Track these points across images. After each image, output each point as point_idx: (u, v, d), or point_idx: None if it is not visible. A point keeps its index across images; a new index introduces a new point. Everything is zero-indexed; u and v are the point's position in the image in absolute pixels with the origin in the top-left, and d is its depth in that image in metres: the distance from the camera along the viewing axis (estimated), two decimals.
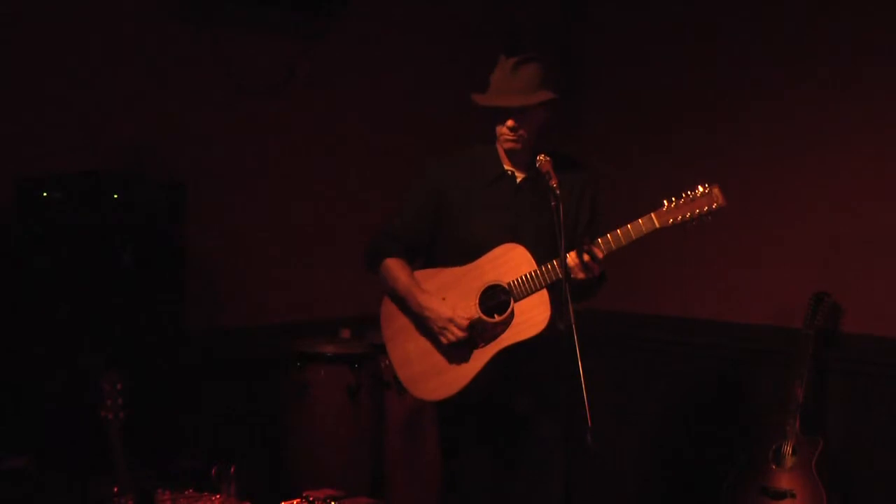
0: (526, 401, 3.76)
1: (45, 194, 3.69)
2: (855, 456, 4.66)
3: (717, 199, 3.51)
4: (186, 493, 3.23)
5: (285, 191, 4.69)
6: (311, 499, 3.13)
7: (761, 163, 4.96)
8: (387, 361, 3.87)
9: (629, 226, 3.53)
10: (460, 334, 3.59)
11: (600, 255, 3.52)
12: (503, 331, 3.60)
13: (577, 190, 3.76)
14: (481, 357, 3.62)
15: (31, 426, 3.60)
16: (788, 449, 4.50)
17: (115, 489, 3.15)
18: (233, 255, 4.51)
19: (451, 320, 3.60)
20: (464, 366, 3.64)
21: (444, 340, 3.63)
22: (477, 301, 3.61)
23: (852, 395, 4.69)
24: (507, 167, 3.72)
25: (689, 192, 3.53)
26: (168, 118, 4.33)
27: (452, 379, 3.65)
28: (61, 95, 4.07)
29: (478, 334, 3.61)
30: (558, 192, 3.41)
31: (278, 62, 4.64)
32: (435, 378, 3.68)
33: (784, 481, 4.48)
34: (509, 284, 3.59)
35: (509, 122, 3.62)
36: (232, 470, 3.30)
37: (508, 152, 3.70)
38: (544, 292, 3.56)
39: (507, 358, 3.62)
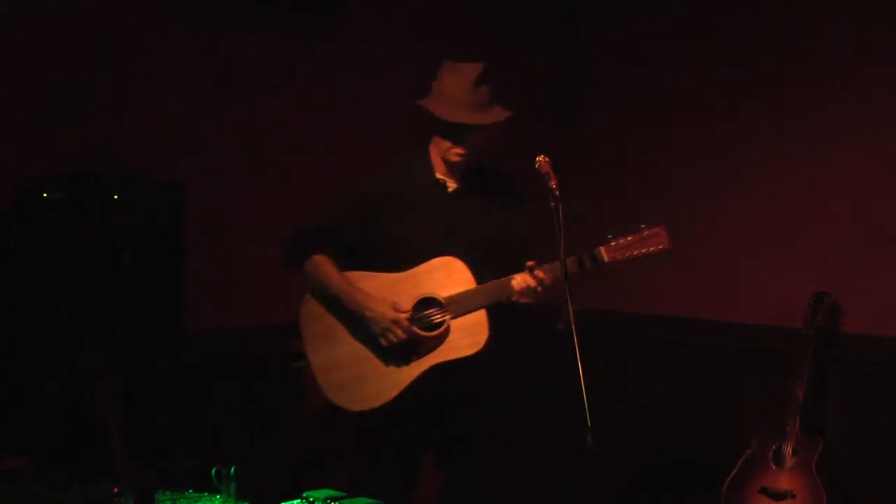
0: (436, 430, 3.70)
1: (45, 194, 3.69)
2: (855, 456, 4.66)
3: (663, 242, 3.53)
4: (186, 493, 3.22)
5: (285, 191, 4.69)
6: (310, 499, 3.13)
7: (761, 163, 4.96)
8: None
9: (576, 256, 3.53)
10: (403, 336, 3.52)
11: (548, 280, 3.50)
12: (436, 346, 3.53)
13: (506, 208, 3.71)
14: (412, 371, 3.54)
15: (31, 426, 3.60)
16: (788, 449, 4.50)
17: (115, 489, 3.15)
18: (233, 255, 4.51)
19: (395, 322, 3.52)
20: (392, 378, 3.55)
21: (383, 342, 3.54)
22: (410, 312, 3.54)
23: (852, 395, 4.70)
24: (438, 176, 3.69)
25: (637, 232, 3.54)
26: (168, 118, 4.33)
27: (378, 390, 3.56)
28: (61, 95, 4.07)
29: (410, 346, 3.54)
30: (558, 192, 3.37)
31: (278, 62, 4.64)
32: (359, 387, 3.58)
33: (784, 481, 4.48)
34: (446, 299, 3.53)
35: (472, 142, 3.58)
36: (232, 470, 3.29)
37: (449, 164, 3.65)
38: (483, 313, 3.53)
39: (436, 378, 3.55)
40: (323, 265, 3.65)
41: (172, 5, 4.33)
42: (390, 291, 3.58)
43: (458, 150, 3.60)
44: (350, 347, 3.61)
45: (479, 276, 3.59)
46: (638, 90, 5.35)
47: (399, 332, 3.52)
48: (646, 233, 3.54)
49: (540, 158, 3.53)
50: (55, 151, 4.00)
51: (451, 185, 3.68)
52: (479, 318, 3.53)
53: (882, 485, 4.63)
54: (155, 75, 4.30)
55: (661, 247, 3.53)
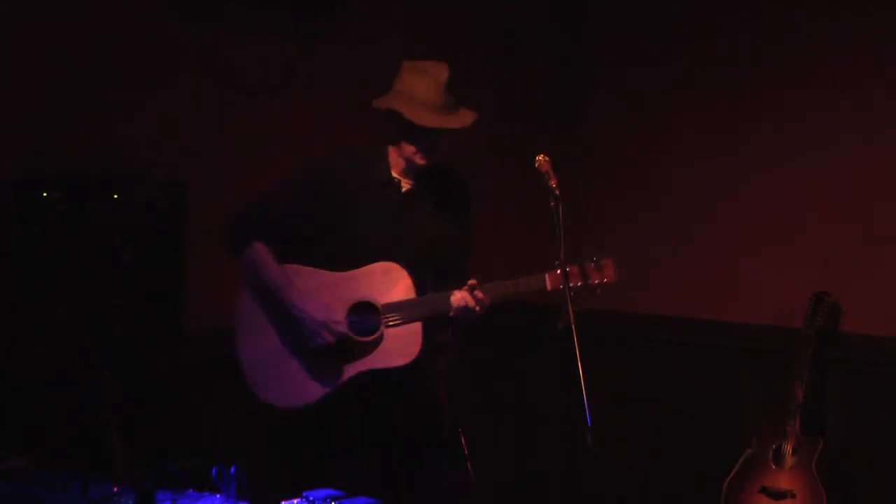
0: (386, 432, 3.62)
1: (45, 194, 3.69)
2: (855, 456, 4.66)
3: (609, 276, 3.48)
4: (186, 493, 3.22)
5: None
6: (311, 499, 3.13)
7: (761, 163, 4.96)
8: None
9: (519, 279, 3.48)
10: (330, 340, 3.46)
11: (487, 301, 3.44)
12: (368, 353, 3.48)
13: (455, 214, 3.64)
14: (338, 375, 3.49)
15: (31, 426, 3.60)
16: (788, 449, 4.50)
17: (115, 489, 3.15)
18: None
19: (324, 325, 3.46)
20: (318, 380, 3.50)
21: (310, 344, 3.48)
22: (345, 315, 3.48)
23: (852, 395, 4.70)
24: (394, 174, 3.59)
25: (584, 262, 3.49)
26: (168, 118, 4.33)
27: (302, 391, 3.51)
28: (61, 95, 4.07)
29: (342, 350, 3.49)
30: (558, 192, 3.33)
31: (278, 62, 4.64)
32: (285, 385, 3.53)
33: (784, 481, 4.48)
34: (383, 306, 3.48)
35: (441, 146, 3.51)
36: (232, 470, 3.29)
37: (411, 166, 3.56)
38: (419, 325, 3.47)
39: (363, 385, 3.50)
40: (262, 256, 3.53)
41: (172, 5, 4.33)
42: (327, 292, 3.50)
43: (426, 155, 3.51)
44: (279, 344, 3.54)
45: (421, 282, 3.52)
46: (638, 90, 5.35)
47: (327, 335, 3.45)
48: (594, 262, 3.49)
49: (540, 158, 3.52)
50: (55, 151, 4.00)
51: (405, 185, 3.59)
52: (415, 329, 3.46)
53: (882, 485, 4.63)
54: (155, 75, 4.30)
55: (605, 280, 3.48)
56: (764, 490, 4.51)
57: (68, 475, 3.17)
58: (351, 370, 3.49)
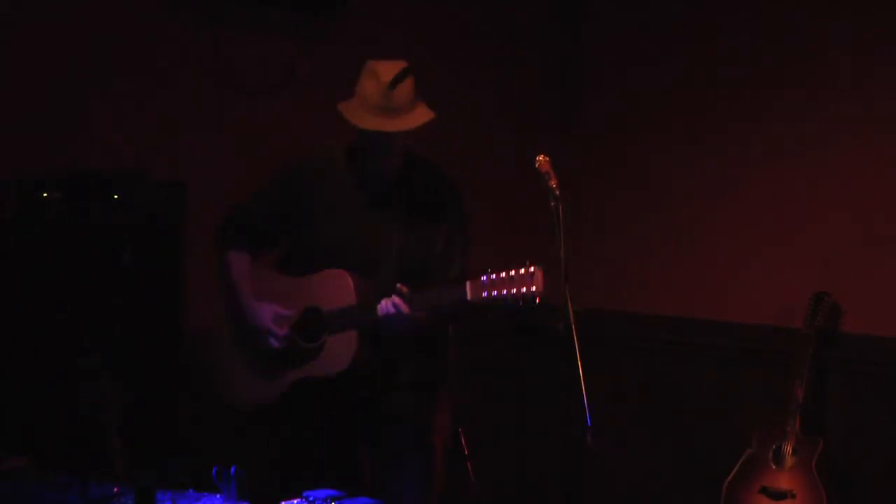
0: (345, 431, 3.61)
1: (45, 194, 3.69)
2: (855, 456, 4.66)
3: (537, 284, 3.20)
4: (186, 493, 3.22)
5: None
6: (310, 499, 3.13)
7: (761, 163, 4.96)
8: None
9: (439, 288, 3.35)
10: (274, 346, 3.48)
11: (406, 310, 3.31)
12: (310, 360, 3.47)
13: (434, 214, 3.53)
14: (283, 381, 3.51)
15: (31, 426, 3.60)
16: (788, 449, 4.50)
17: (115, 489, 3.15)
18: None
19: (268, 331, 3.47)
20: (268, 384, 3.53)
21: (259, 347, 3.50)
22: (295, 320, 3.49)
23: (852, 395, 4.69)
24: (367, 177, 3.53)
25: (510, 270, 3.23)
26: (168, 118, 4.33)
27: (252, 394, 3.56)
28: (61, 95, 4.07)
29: (289, 355, 3.50)
30: (558, 192, 3.28)
31: (278, 62, 4.64)
32: (238, 387, 3.59)
33: (784, 481, 4.48)
34: (326, 313, 3.45)
35: (394, 148, 3.43)
36: (232, 470, 3.29)
37: (374, 167, 3.50)
38: (353, 333, 3.41)
39: (311, 389, 3.49)
40: (230, 263, 3.59)
41: (172, 5, 4.33)
42: (281, 296, 3.50)
43: (381, 156, 3.46)
44: (235, 347, 3.59)
45: (388, 289, 3.37)
46: (638, 90, 5.35)
47: (271, 340, 3.47)
48: (521, 271, 3.23)
49: (540, 158, 3.50)
50: (55, 151, 4.00)
51: (378, 188, 3.52)
52: (350, 336, 3.41)
53: (882, 485, 4.63)
54: (155, 75, 4.30)
55: (532, 288, 3.21)
56: (764, 490, 4.51)
57: (68, 475, 3.17)
58: (294, 375, 3.50)
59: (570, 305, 3.28)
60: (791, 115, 4.87)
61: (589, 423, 3.14)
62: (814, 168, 4.81)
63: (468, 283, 3.28)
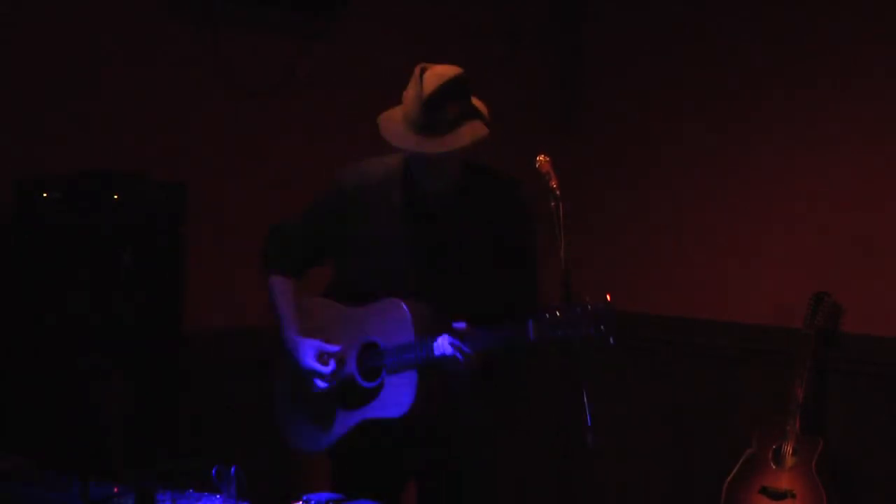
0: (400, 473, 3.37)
1: (45, 195, 3.69)
2: (855, 456, 4.66)
3: (609, 321, 2.92)
4: (186, 493, 3.22)
5: (286, 191, 4.69)
6: (311, 502, 3.12)
7: (761, 162, 4.96)
8: None
9: (499, 328, 3.06)
10: (322, 386, 3.25)
11: (463, 352, 3.02)
12: (370, 400, 3.22)
13: (498, 218, 3.26)
14: (345, 421, 3.27)
15: (31, 426, 3.60)
16: (788, 449, 4.50)
17: (115, 489, 3.15)
18: (233, 255, 4.51)
19: (313, 371, 3.24)
20: (327, 425, 3.30)
21: (311, 389, 3.28)
22: (357, 354, 3.24)
23: (852, 395, 4.70)
24: (420, 188, 3.25)
25: (577, 307, 2.97)
26: (168, 118, 4.33)
27: (317, 435, 3.34)
28: (61, 95, 4.07)
29: (347, 394, 3.27)
30: (558, 192, 3.21)
31: (278, 62, 4.64)
32: (301, 426, 3.38)
33: (784, 481, 4.48)
34: (383, 350, 3.19)
35: (436, 167, 3.11)
36: (232, 470, 3.29)
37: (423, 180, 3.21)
38: (413, 373, 3.12)
39: (372, 431, 3.22)
40: (277, 287, 3.35)
41: (172, 5, 4.33)
42: (332, 326, 3.27)
43: (426, 173, 3.16)
44: (292, 385, 3.38)
45: (441, 311, 3.12)
46: (638, 90, 5.35)
47: (317, 382, 3.24)
48: (589, 307, 2.95)
49: (540, 158, 3.48)
50: (55, 151, 4.00)
51: (432, 200, 3.24)
52: (409, 378, 3.12)
53: (882, 485, 4.63)
54: (155, 75, 4.30)
55: (602, 328, 2.93)
56: (764, 490, 4.51)
57: (68, 475, 3.17)
58: (351, 418, 3.26)
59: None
60: (791, 115, 4.87)
61: (589, 423, 3.14)
62: (814, 168, 4.82)
63: (531, 324, 2.99)
